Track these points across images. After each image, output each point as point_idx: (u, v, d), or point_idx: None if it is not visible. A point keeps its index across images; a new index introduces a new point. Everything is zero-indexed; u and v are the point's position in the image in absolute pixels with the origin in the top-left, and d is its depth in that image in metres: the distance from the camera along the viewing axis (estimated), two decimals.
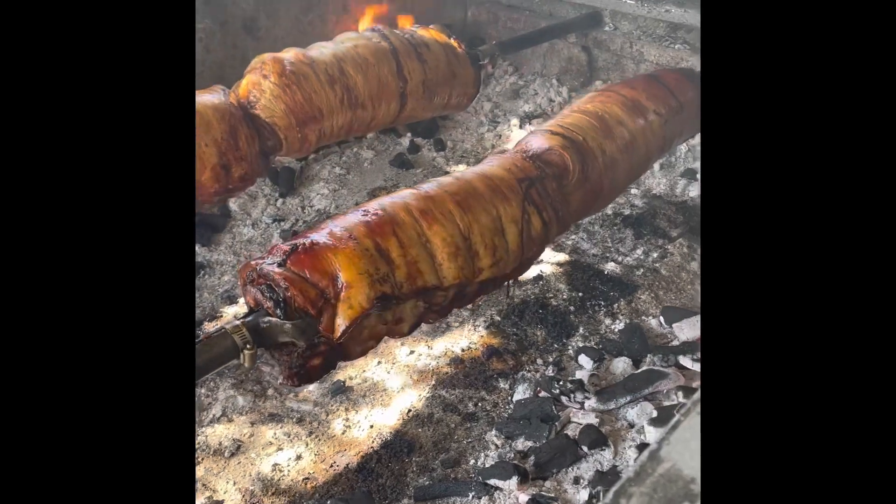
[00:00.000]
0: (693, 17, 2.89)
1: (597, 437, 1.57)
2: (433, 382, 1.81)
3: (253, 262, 1.40)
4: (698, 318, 1.91)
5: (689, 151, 2.72)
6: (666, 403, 1.66)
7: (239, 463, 1.61)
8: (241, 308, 2.03)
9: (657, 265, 2.23)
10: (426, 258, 1.49)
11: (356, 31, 2.44)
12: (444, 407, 1.74)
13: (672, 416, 1.56)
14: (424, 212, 1.53)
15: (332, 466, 1.60)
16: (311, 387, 1.77)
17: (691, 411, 0.81)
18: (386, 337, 1.52)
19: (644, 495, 0.67)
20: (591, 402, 1.68)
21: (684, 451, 0.75)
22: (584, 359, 1.83)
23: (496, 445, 1.62)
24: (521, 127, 2.99)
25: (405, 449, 1.63)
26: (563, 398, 1.69)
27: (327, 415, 1.73)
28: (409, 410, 1.73)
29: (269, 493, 1.55)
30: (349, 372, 1.83)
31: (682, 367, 1.77)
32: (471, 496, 1.49)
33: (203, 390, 1.76)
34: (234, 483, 1.57)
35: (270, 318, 1.34)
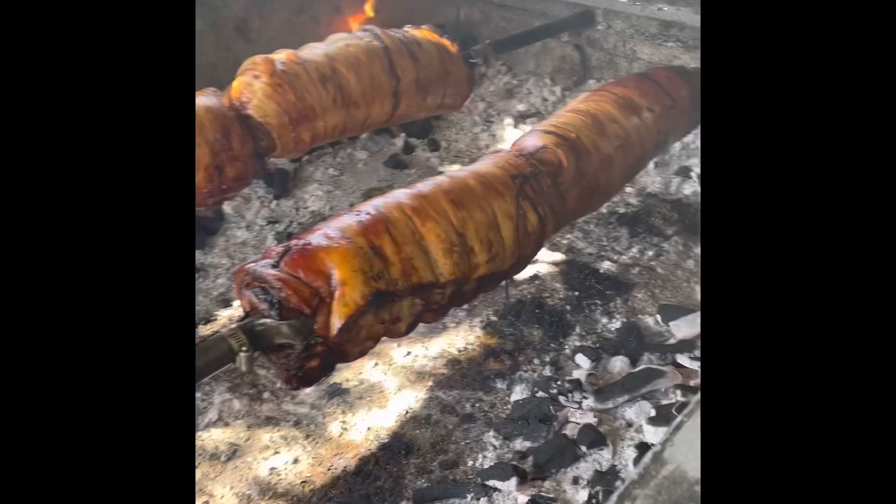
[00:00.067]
0: (686, 15, 2.89)
1: (595, 437, 1.57)
2: (430, 383, 1.80)
3: (247, 266, 1.39)
4: (695, 315, 1.91)
5: (682, 149, 2.72)
6: (664, 402, 1.66)
7: (235, 467, 1.60)
8: (235, 311, 2.02)
9: (653, 263, 2.23)
10: (420, 255, 1.49)
11: (348, 32, 2.44)
12: (441, 408, 1.73)
13: (671, 415, 1.57)
14: (417, 209, 1.54)
15: (329, 469, 1.59)
16: (308, 389, 1.76)
17: (694, 411, 0.80)
18: (384, 337, 1.51)
19: (649, 498, 0.67)
20: (589, 402, 1.67)
21: (689, 453, 0.74)
22: (581, 358, 1.83)
23: (494, 446, 1.61)
24: (515, 126, 2.98)
25: (403, 451, 1.62)
26: (561, 398, 1.68)
27: (324, 417, 1.72)
28: (407, 412, 1.73)
29: (267, 498, 1.53)
30: (345, 374, 1.82)
31: (679, 366, 1.77)
32: (469, 497, 1.49)
33: (199, 394, 1.75)
34: (231, 487, 1.56)
35: (265, 320, 1.33)
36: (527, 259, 1.76)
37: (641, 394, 1.68)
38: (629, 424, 1.64)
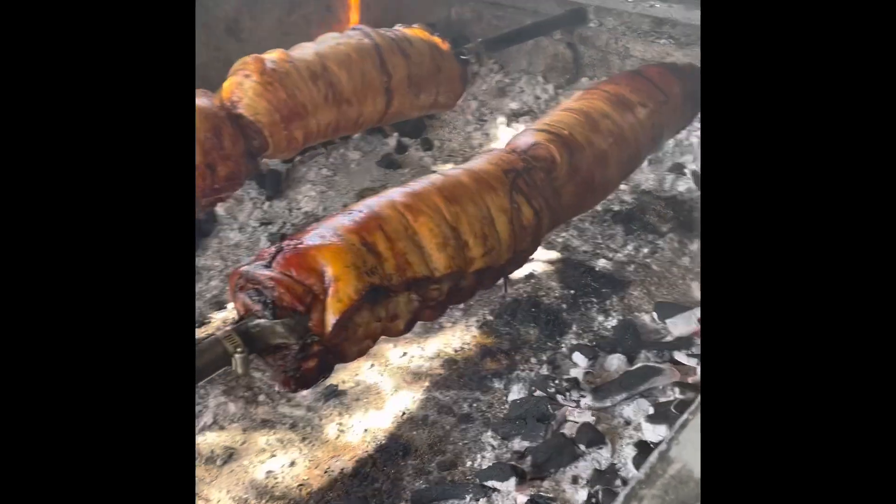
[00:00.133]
0: (678, 12, 2.89)
1: (594, 436, 1.56)
2: (427, 384, 1.79)
3: (240, 269, 1.39)
4: (691, 312, 1.91)
5: (676, 146, 2.72)
6: (662, 400, 1.65)
7: (232, 471, 1.59)
8: (229, 314, 2.01)
9: (648, 260, 2.22)
10: (414, 249, 1.50)
11: (339, 32, 2.42)
12: (438, 409, 1.72)
13: (669, 413, 1.56)
14: (410, 206, 1.55)
15: (326, 472, 1.58)
16: (304, 392, 1.75)
17: (699, 409, 0.80)
18: (383, 336, 1.50)
19: (656, 498, 0.66)
20: (587, 400, 1.66)
21: (695, 452, 0.73)
22: (578, 356, 1.82)
23: (493, 446, 1.60)
24: (508, 125, 2.98)
25: (400, 452, 1.61)
26: (559, 397, 1.68)
27: (320, 419, 1.70)
28: (404, 413, 1.71)
29: (264, 501, 1.52)
30: (342, 375, 1.81)
31: (677, 363, 1.76)
32: (468, 498, 1.48)
33: None
34: (228, 491, 1.54)
35: (260, 321, 1.32)
36: (524, 254, 1.76)
37: (639, 391, 1.67)
38: (628, 422, 1.63)
